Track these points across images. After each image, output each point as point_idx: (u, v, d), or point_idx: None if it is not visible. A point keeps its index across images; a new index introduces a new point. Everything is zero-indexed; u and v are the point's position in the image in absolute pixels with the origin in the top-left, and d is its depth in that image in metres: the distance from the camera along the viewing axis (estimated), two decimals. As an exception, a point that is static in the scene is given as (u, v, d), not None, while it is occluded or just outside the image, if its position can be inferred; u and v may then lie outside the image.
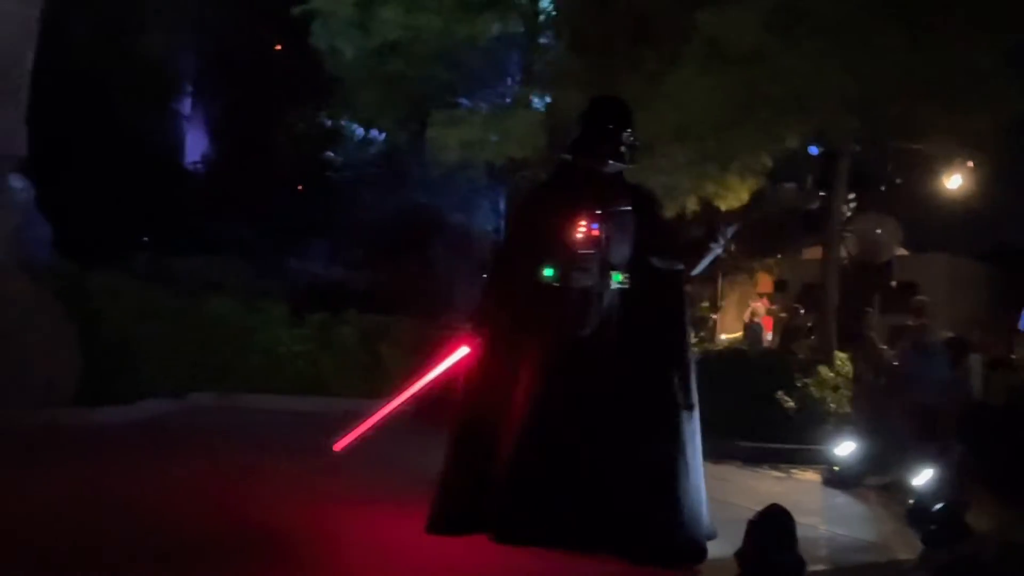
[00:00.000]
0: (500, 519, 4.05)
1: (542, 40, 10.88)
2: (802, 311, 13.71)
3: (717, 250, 4.43)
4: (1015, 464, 6.07)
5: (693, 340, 9.50)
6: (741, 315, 16.31)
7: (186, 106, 16.64)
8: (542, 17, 10.98)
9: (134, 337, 7.26)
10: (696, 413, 4.35)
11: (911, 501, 5.49)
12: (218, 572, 3.46)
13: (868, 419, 7.55)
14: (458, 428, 4.33)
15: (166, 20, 13.92)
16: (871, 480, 6.64)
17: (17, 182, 8.42)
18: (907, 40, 7.37)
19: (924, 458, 5.89)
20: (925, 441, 6.48)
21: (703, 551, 4.10)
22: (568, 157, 4.61)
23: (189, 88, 16.60)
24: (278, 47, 14.86)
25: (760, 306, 16.04)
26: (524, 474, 4.09)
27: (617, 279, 4.28)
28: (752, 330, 14.42)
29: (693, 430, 4.31)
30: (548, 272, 4.24)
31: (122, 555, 3.48)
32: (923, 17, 7.58)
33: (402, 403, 4.53)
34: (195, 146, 16.77)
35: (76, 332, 6.54)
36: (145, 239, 12.63)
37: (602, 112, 4.54)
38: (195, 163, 16.55)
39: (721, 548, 4.09)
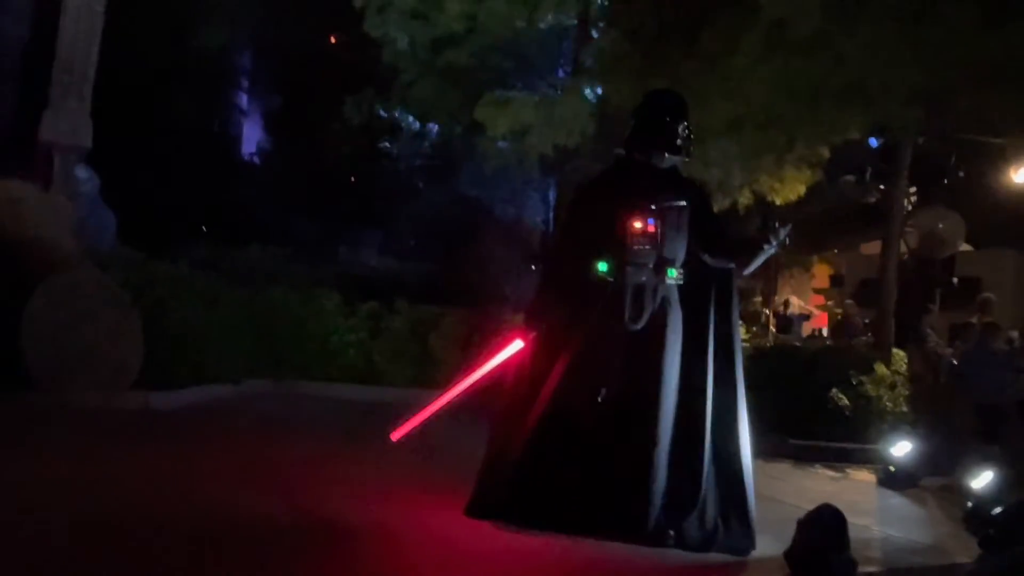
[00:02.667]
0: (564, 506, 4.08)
1: (594, 33, 10.83)
2: (854, 307, 13.46)
3: (771, 250, 4.35)
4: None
5: (745, 336, 9.43)
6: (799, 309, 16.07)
7: (243, 99, 16.98)
8: (595, 7, 10.93)
9: (194, 325, 7.40)
10: (744, 410, 4.33)
11: (969, 504, 5.37)
12: (272, 556, 3.53)
13: (926, 418, 7.40)
14: (497, 419, 4.40)
15: (223, 14, 14.21)
16: (928, 481, 6.51)
17: (83, 173, 8.74)
18: (980, 21, 7.09)
19: (984, 459, 5.75)
20: (986, 442, 6.33)
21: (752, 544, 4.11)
22: (622, 151, 4.60)
23: (246, 81, 16.93)
24: (332, 39, 15.06)
25: (795, 299, 15.82)
26: (540, 460, 4.12)
27: (672, 275, 4.26)
28: (785, 320, 14.21)
29: (743, 427, 4.30)
30: (602, 267, 4.24)
31: (176, 537, 3.58)
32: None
33: (457, 395, 4.58)
34: (252, 138, 17.12)
35: (140, 319, 6.72)
36: (204, 228, 12.94)
37: (658, 105, 4.51)
38: (252, 155, 16.89)
39: (771, 547, 4.06)
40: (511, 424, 4.31)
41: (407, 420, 4.59)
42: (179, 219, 12.17)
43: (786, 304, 15.71)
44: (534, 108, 9.73)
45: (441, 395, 4.60)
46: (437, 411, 4.53)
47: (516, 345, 4.41)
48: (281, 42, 15.19)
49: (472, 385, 4.58)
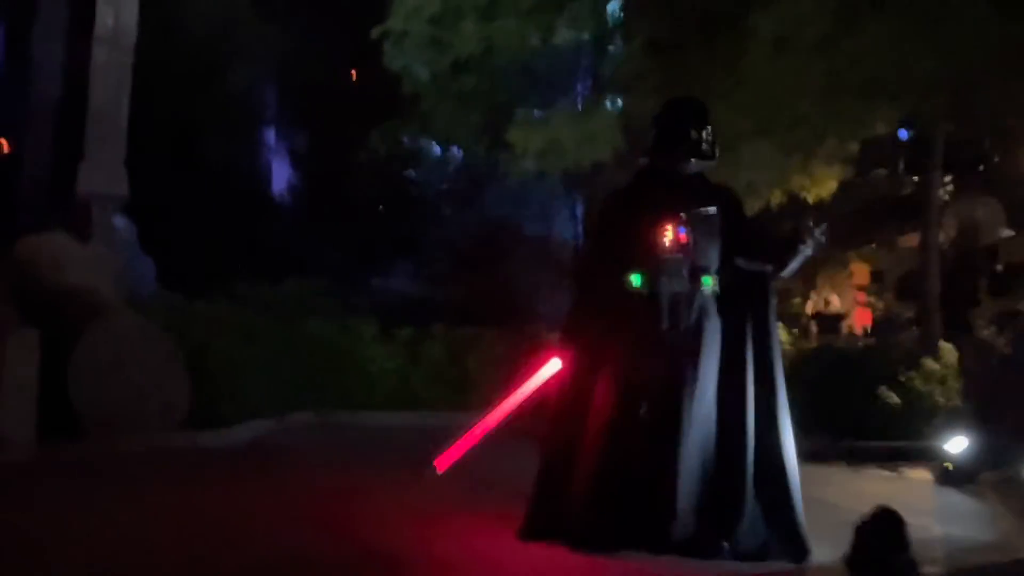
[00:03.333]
0: (586, 526, 4.06)
1: (611, 47, 10.88)
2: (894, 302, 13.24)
3: (808, 251, 4.28)
4: None
5: (787, 339, 9.31)
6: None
7: (271, 137, 17.28)
8: (611, 22, 10.98)
9: (236, 362, 7.51)
10: (787, 415, 4.27)
11: (1033, 498, 5.23)
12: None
13: (981, 411, 7.23)
14: (549, 441, 4.38)
15: (247, 57, 14.54)
16: (987, 476, 6.33)
17: (120, 221, 8.95)
18: (996, 10, 7.03)
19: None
20: (1045, 433, 6.16)
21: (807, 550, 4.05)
22: (646, 160, 4.59)
23: (273, 120, 17.23)
24: (353, 72, 15.30)
25: (835, 297, 15.59)
26: (608, 481, 4.09)
27: (708, 283, 4.22)
28: (827, 319, 14.03)
29: (788, 427, 4.24)
30: (636, 280, 4.21)
31: (227, 571, 3.63)
32: None
33: (498, 420, 4.56)
34: (281, 174, 17.39)
35: (184, 360, 6.83)
36: (240, 266, 13.15)
37: (678, 112, 4.50)
38: (282, 190, 17.16)
39: (829, 553, 3.99)
40: (561, 444, 4.30)
41: (450, 448, 4.58)
42: (215, 258, 12.37)
43: (826, 303, 15.50)
44: (567, 124, 9.77)
45: (482, 420, 4.59)
46: (478, 438, 4.52)
47: (554, 365, 4.40)
48: (304, 79, 15.48)
49: (513, 408, 4.57)
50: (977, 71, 7.53)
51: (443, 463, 4.58)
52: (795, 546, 4.06)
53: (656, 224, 4.21)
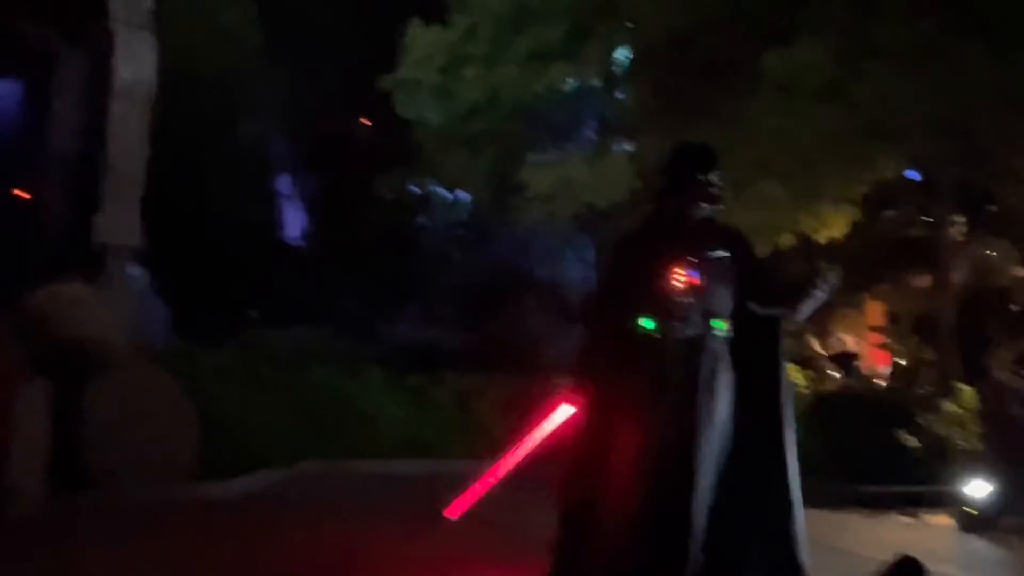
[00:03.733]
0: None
1: (618, 93, 11.03)
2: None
3: (822, 295, 4.25)
4: None
5: (803, 382, 9.23)
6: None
7: (284, 184, 17.50)
8: (617, 67, 11.14)
9: (244, 411, 7.53)
10: (795, 459, 4.21)
11: (1058, 544, 5.12)
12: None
13: (1002, 454, 7.12)
14: (566, 490, 4.33)
15: (259, 107, 14.81)
16: (1010, 521, 6.23)
17: (134, 270, 9.03)
18: (993, 56, 7.15)
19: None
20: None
21: None
22: (654, 206, 4.62)
23: (286, 167, 17.48)
24: (364, 121, 15.55)
25: (848, 338, 15.49)
26: (661, 530, 4.04)
27: (719, 327, 4.19)
28: (845, 361, 13.93)
29: (795, 472, 4.19)
30: (648, 324, 4.19)
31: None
32: (1008, 30, 7.36)
33: (510, 467, 4.54)
34: (293, 221, 17.58)
35: (192, 409, 6.83)
36: (252, 313, 13.21)
37: (687, 156, 4.53)
38: (295, 237, 17.32)
39: (847, 603, 3.91)
40: (582, 493, 4.23)
41: (462, 495, 4.55)
42: (227, 306, 12.45)
43: (842, 345, 15.39)
44: (581, 166, 9.89)
45: (492, 466, 4.57)
46: (490, 486, 4.50)
47: (566, 411, 4.38)
48: (315, 128, 15.74)
49: (525, 455, 4.55)
50: (976, 113, 7.61)
51: (455, 511, 4.56)
52: None
53: (667, 268, 4.18)
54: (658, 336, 4.18)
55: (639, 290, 4.27)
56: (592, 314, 5.42)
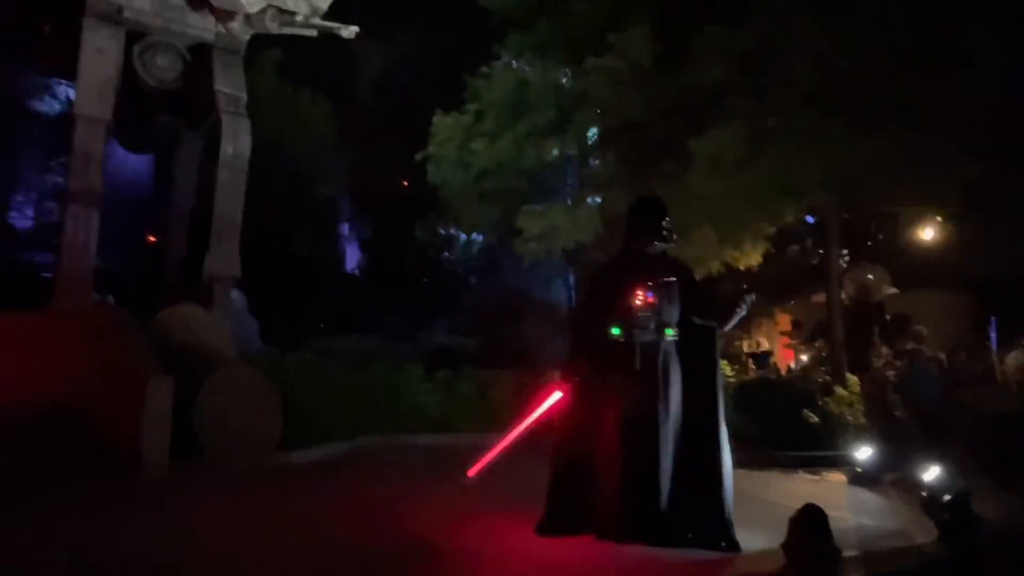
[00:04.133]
0: (608, 522, 3.98)
1: (591, 161, 11.10)
2: (818, 344, 13.08)
3: (743, 312, 4.31)
4: (1008, 460, 5.55)
5: (731, 373, 9.20)
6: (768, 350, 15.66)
7: (345, 230, 17.59)
8: (590, 141, 11.23)
9: (317, 398, 7.48)
10: (725, 429, 4.21)
11: (924, 493, 5.08)
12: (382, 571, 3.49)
13: (880, 428, 7.10)
14: (557, 454, 4.33)
15: (329, 174, 14.98)
16: (889, 477, 6.19)
17: (235, 295, 9.05)
18: (858, 134, 7.26)
19: (930, 457, 5.47)
20: (929, 444, 6.03)
21: (737, 542, 3.97)
22: (623, 244, 4.66)
23: (347, 216, 17.60)
24: (405, 183, 15.66)
25: (764, 341, 15.47)
26: (625, 487, 4.03)
27: (669, 333, 4.25)
28: (759, 358, 13.89)
29: (725, 442, 4.19)
30: (615, 331, 4.24)
31: (316, 553, 3.59)
32: (866, 115, 7.51)
33: (515, 437, 4.54)
34: (352, 257, 17.68)
35: (279, 398, 6.81)
36: (321, 325, 13.22)
37: (644, 208, 4.59)
38: (352, 269, 17.40)
39: (768, 541, 3.88)
40: (569, 459, 4.24)
41: (479, 460, 4.54)
42: (303, 320, 12.48)
43: (758, 345, 15.38)
44: (561, 214, 9.95)
45: (502, 438, 4.56)
46: (501, 451, 4.49)
47: (556, 396, 4.39)
48: (369, 189, 15.88)
49: (526, 429, 4.54)
50: (853, 174, 7.71)
51: (474, 471, 4.54)
52: (728, 538, 3.97)
53: (630, 290, 4.26)
54: (623, 339, 4.23)
55: (610, 306, 4.33)
56: (577, 324, 5.43)
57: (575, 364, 4.43)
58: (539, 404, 4.49)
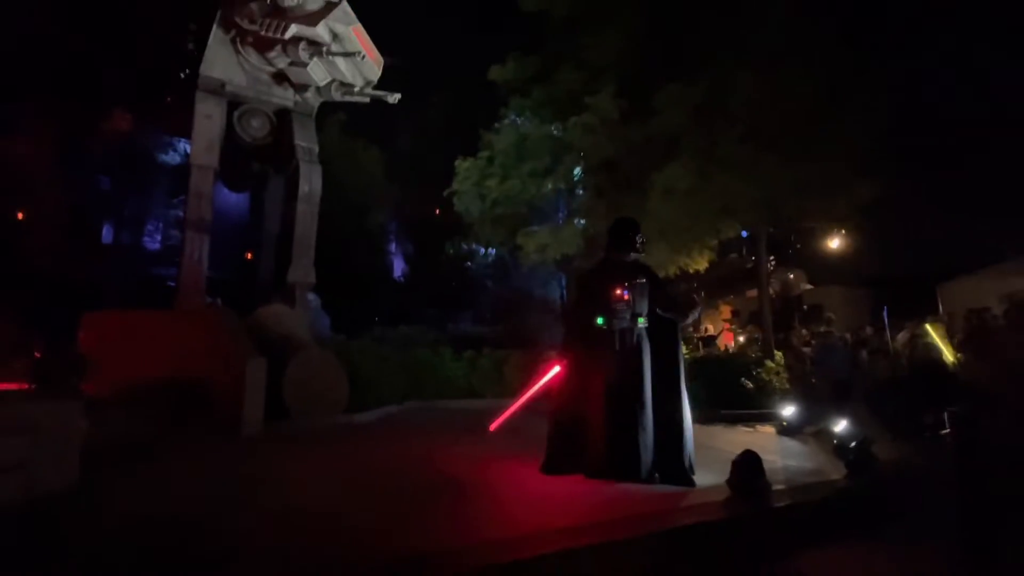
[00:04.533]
0: (594, 464, 3.99)
1: (577, 191, 11.07)
2: (749, 327, 12.98)
3: (697, 311, 4.35)
4: (899, 415, 5.48)
5: (687, 352, 9.11)
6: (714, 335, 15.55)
7: (392, 246, 17.60)
8: (575, 178, 11.19)
9: (374, 374, 7.48)
10: (685, 395, 4.19)
11: (835, 441, 5.04)
12: (421, 498, 3.51)
13: (800, 391, 7.03)
14: (555, 412, 4.33)
15: (380, 204, 15.00)
16: (808, 429, 6.14)
17: (311, 296, 9.05)
18: (786, 163, 7.20)
19: (839, 414, 5.42)
20: (838, 403, 5.97)
21: (692, 480, 3.95)
22: (604, 253, 4.66)
23: (393, 237, 17.61)
24: (437, 211, 15.67)
25: (711, 327, 15.34)
26: (607, 437, 4.01)
27: (641, 322, 4.25)
28: (707, 340, 13.80)
29: (686, 403, 4.16)
30: (600, 320, 4.26)
31: (382, 489, 3.57)
32: (794, 147, 7.46)
33: (524, 401, 4.53)
34: (398, 267, 17.68)
35: (346, 372, 6.82)
36: (376, 319, 13.24)
37: (623, 226, 4.60)
38: (398, 277, 17.42)
39: (716, 479, 3.87)
40: (565, 416, 4.25)
41: (497, 418, 4.54)
42: (362, 315, 12.48)
43: (706, 331, 15.24)
44: (548, 234, 9.93)
45: (515, 401, 4.56)
46: (514, 411, 4.49)
47: (555, 370, 4.40)
48: (411, 215, 15.89)
49: (532, 395, 4.54)
50: (780, 197, 7.64)
51: (494, 426, 4.54)
52: (686, 477, 3.96)
53: (611, 289, 4.27)
54: (605, 327, 4.23)
55: (595, 301, 4.34)
56: (569, 315, 5.41)
57: (568, 345, 4.43)
58: (542, 376, 4.49)
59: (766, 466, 3.70)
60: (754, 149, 7.48)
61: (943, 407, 3.86)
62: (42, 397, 4.15)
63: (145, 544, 2.74)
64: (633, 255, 4.42)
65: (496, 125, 10.36)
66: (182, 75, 13.16)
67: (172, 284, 8.81)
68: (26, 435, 3.44)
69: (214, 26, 7.67)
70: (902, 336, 7.74)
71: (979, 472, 2.43)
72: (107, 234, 14.84)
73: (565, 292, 13.98)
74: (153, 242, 15.44)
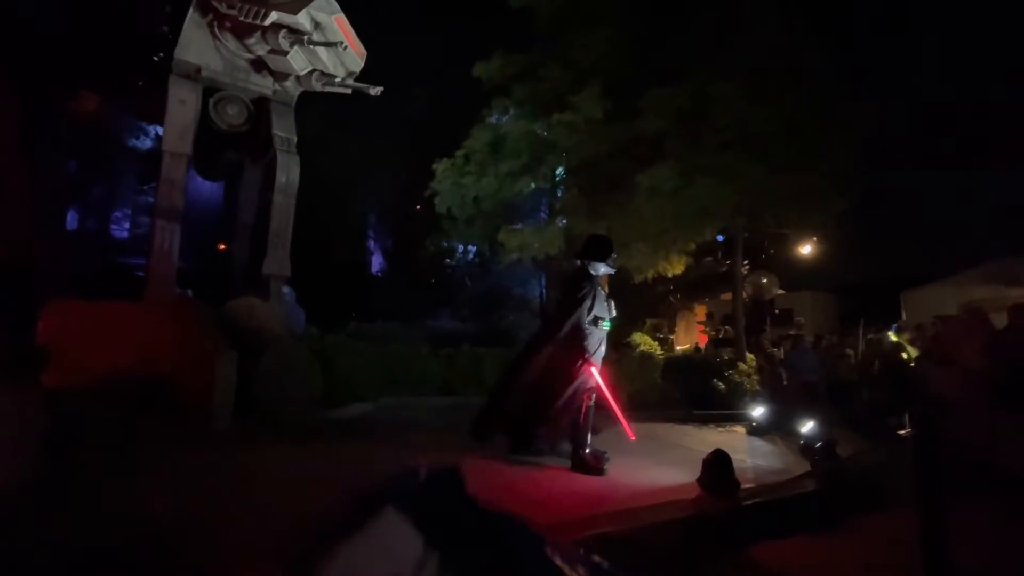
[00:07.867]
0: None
1: (559, 191, 11.10)
2: (725, 329, 13.23)
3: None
4: (861, 417, 5.68)
5: (660, 352, 9.24)
6: (689, 335, 15.78)
7: (371, 241, 17.35)
8: (557, 178, 11.21)
9: (349, 369, 7.37)
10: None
11: (801, 442, 5.19)
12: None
13: (770, 393, 7.21)
14: (508, 390, 4.58)
15: (360, 198, 14.75)
16: (775, 430, 6.30)
17: (286, 290, 8.84)
18: (765, 172, 7.35)
19: (806, 415, 5.58)
20: (806, 405, 6.14)
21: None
22: (582, 263, 4.71)
23: (373, 231, 17.35)
24: (418, 208, 15.52)
25: (681, 329, 15.61)
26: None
27: (607, 325, 4.41)
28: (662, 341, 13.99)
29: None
30: (607, 325, 4.55)
31: (352, 484, 3.53)
32: (773, 156, 7.62)
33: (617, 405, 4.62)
34: (377, 262, 17.44)
35: (320, 368, 6.70)
36: (352, 313, 13.05)
37: (599, 244, 4.80)
38: (376, 272, 17.18)
39: (687, 477, 3.93)
40: (515, 395, 4.50)
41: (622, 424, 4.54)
42: (338, 310, 12.27)
43: (666, 330, 15.42)
44: (529, 233, 9.93)
45: (615, 408, 4.58)
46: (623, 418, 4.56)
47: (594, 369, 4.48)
48: (391, 210, 15.68)
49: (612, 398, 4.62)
50: (756, 204, 7.80)
51: (632, 435, 4.58)
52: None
53: (586, 300, 4.41)
54: (608, 328, 4.49)
55: (575, 309, 4.45)
56: (558, 314, 5.44)
57: (546, 340, 4.51)
58: (589, 378, 4.46)
59: (736, 465, 3.77)
60: (736, 156, 7.63)
61: (906, 408, 4.01)
62: (-5, 388, 3.96)
63: (103, 544, 2.64)
64: (604, 270, 4.69)
65: (478, 124, 10.29)
66: (155, 58, 12.69)
67: (141, 274, 8.51)
68: (-25, 428, 3.27)
69: (190, 8, 7.41)
70: (867, 342, 8.00)
71: (936, 468, 2.55)
72: (72, 220, 14.23)
73: (545, 291, 14.03)
74: (121, 230, 14.86)
